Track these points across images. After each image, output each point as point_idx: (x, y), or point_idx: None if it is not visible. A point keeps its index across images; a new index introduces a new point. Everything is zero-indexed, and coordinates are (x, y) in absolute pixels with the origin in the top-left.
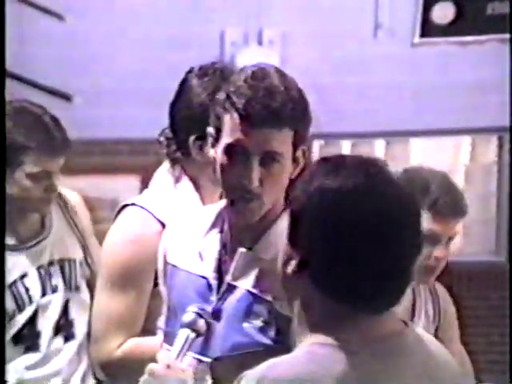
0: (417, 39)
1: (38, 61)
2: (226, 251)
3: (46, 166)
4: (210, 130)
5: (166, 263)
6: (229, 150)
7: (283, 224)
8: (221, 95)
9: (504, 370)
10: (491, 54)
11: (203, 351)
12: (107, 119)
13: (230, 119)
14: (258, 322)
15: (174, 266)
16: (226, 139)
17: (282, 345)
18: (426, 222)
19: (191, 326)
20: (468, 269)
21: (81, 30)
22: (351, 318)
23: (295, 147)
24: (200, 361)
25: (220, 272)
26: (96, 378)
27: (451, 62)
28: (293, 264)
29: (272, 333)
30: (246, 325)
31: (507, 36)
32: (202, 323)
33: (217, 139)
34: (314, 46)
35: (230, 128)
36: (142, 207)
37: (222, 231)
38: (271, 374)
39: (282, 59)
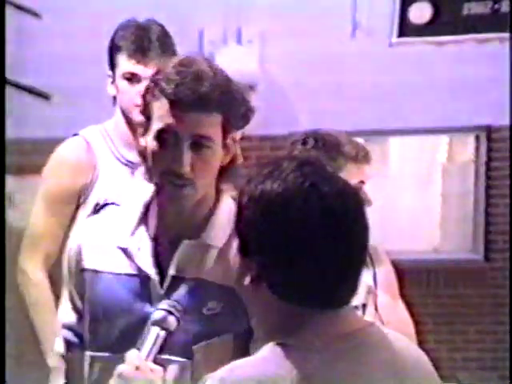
0: (394, 39)
1: (16, 59)
2: (159, 245)
3: (133, 68)
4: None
5: (81, 271)
6: (159, 135)
7: (225, 210)
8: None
9: (480, 367)
10: (468, 54)
11: (173, 350)
12: (86, 118)
13: (159, 105)
14: (217, 308)
15: (94, 271)
16: (156, 125)
17: (243, 328)
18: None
19: (161, 323)
20: (445, 266)
21: (58, 28)
22: (312, 319)
23: (225, 133)
24: (171, 360)
25: (160, 267)
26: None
27: (428, 61)
28: (249, 275)
29: (230, 318)
30: (204, 312)
31: (483, 36)
32: (171, 320)
33: (146, 128)
34: (293, 46)
35: (160, 114)
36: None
37: (147, 227)
38: (231, 376)
39: (261, 58)
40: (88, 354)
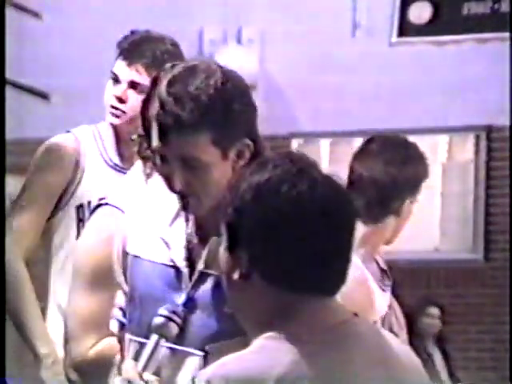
0: (394, 39)
1: (16, 59)
2: (194, 239)
3: (117, 68)
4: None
5: (124, 254)
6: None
7: None
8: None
9: (481, 367)
10: (468, 54)
11: (178, 341)
12: (85, 117)
13: (153, 125)
14: None
15: (135, 256)
16: (152, 144)
17: None
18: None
19: (160, 330)
20: (445, 266)
21: (57, 28)
22: (301, 308)
23: (223, 147)
24: (174, 351)
25: (190, 260)
26: (68, 378)
27: (428, 61)
28: (238, 269)
29: None
30: (226, 311)
31: (483, 36)
32: (172, 326)
33: (143, 141)
34: (293, 45)
35: (154, 134)
36: (114, 206)
37: (187, 219)
38: (221, 371)
39: (261, 58)
40: (126, 335)
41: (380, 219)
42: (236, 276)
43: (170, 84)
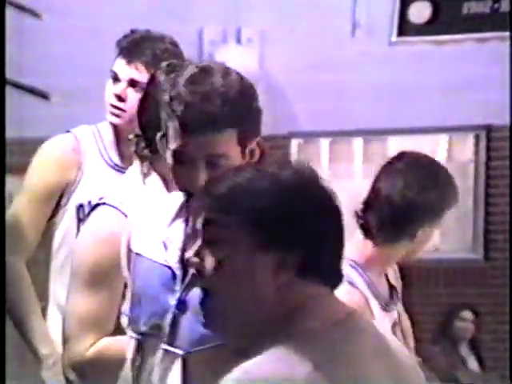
0: (394, 38)
1: (16, 59)
2: (190, 241)
3: (117, 67)
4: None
5: (129, 250)
6: (175, 154)
7: None
8: (165, 98)
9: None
10: (468, 54)
11: (170, 341)
12: (85, 117)
13: (172, 125)
14: None
15: (137, 253)
16: (171, 145)
17: None
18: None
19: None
20: (445, 266)
21: (58, 28)
22: (318, 301)
23: (244, 144)
24: (166, 351)
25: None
26: (66, 378)
27: (428, 60)
28: (276, 269)
29: None
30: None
31: (483, 35)
32: (155, 342)
33: (167, 143)
34: (293, 45)
35: (173, 134)
36: (112, 206)
37: (187, 221)
38: (247, 376)
39: (261, 58)
40: (128, 331)
41: (391, 242)
42: (282, 278)
43: (192, 83)
